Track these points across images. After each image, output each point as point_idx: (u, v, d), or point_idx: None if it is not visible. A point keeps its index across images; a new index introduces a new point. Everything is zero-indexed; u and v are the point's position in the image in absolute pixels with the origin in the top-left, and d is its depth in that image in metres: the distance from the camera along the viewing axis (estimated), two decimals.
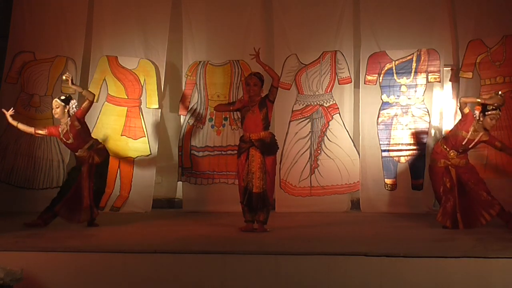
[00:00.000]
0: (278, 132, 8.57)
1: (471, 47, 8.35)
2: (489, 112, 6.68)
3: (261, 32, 8.92)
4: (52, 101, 8.74)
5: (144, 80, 8.88)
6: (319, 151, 8.59)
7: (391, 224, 7.15)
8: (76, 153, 7.15)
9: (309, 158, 8.59)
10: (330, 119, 8.62)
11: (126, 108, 8.79)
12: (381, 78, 8.55)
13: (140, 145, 8.76)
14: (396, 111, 8.46)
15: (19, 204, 8.48)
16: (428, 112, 8.35)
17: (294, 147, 8.64)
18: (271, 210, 6.92)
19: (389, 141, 8.45)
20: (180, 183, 8.92)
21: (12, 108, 7.24)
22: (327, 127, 8.61)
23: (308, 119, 8.67)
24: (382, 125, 8.47)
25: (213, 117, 8.82)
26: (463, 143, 6.76)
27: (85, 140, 7.13)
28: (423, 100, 8.35)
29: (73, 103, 7.09)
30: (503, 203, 7.80)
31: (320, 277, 5.05)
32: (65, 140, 7.10)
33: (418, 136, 8.37)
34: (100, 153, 7.21)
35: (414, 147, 8.38)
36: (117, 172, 8.59)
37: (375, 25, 8.61)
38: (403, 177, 8.36)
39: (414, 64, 8.44)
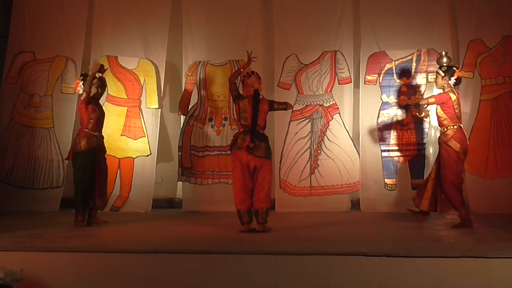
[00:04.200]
0: (278, 132, 8.60)
1: (472, 47, 8.35)
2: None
3: (261, 32, 8.92)
4: (51, 101, 8.85)
5: (144, 80, 8.88)
6: (319, 151, 8.59)
7: (391, 224, 7.14)
8: (95, 134, 7.11)
9: (309, 158, 8.59)
10: (330, 119, 8.62)
11: (126, 108, 8.79)
12: (381, 78, 8.55)
13: (140, 145, 8.76)
14: (396, 111, 8.45)
15: (19, 204, 8.49)
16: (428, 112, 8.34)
17: (294, 147, 8.63)
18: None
19: (389, 141, 8.45)
20: (180, 183, 8.92)
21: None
22: (327, 127, 8.61)
23: (308, 119, 8.67)
24: (382, 125, 8.46)
25: (213, 117, 8.82)
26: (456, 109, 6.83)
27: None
28: None
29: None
30: (503, 203, 7.84)
31: (320, 277, 5.05)
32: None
33: (418, 136, 8.37)
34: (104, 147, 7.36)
35: (414, 147, 8.37)
36: (117, 172, 8.59)
37: (375, 25, 8.61)
38: (403, 177, 8.36)
39: (414, 64, 8.44)
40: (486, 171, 8.12)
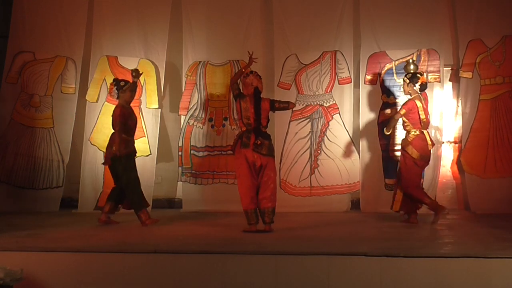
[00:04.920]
0: (278, 132, 8.59)
1: (471, 47, 8.36)
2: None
3: (261, 32, 8.93)
4: (51, 101, 8.85)
5: (144, 80, 8.88)
6: (319, 151, 8.59)
7: (391, 224, 7.15)
8: (130, 139, 7.30)
9: (309, 158, 8.60)
10: (330, 119, 8.62)
11: None
12: (381, 78, 8.55)
13: (140, 145, 8.72)
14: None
15: (19, 204, 8.50)
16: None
17: (294, 147, 8.64)
18: None
19: (389, 141, 8.45)
20: (180, 183, 8.92)
21: None
22: (327, 127, 8.62)
23: (308, 119, 8.68)
24: (382, 125, 8.46)
25: (213, 117, 8.82)
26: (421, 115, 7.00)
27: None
28: None
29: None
30: (503, 203, 7.82)
31: (320, 277, 5.05)
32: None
33: None
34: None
35: None
36: None
37: (375, 25, 8.62)
38: None
39: None
40: (485, 171, 8.13)
